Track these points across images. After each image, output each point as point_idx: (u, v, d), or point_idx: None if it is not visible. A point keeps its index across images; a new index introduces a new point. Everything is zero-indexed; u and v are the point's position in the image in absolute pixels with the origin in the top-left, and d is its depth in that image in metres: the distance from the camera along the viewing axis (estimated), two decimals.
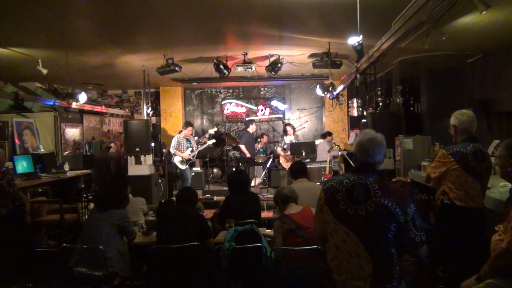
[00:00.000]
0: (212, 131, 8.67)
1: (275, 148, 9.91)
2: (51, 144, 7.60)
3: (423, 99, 7.61)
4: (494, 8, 4.03)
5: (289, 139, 8.50)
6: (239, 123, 10.97)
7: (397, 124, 6.92)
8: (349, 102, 9.13)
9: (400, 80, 7.57)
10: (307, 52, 6.72)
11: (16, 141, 6.86)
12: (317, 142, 8.50)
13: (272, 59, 6.93)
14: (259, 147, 9.01)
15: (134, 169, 6.87)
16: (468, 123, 3.08)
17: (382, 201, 1.91)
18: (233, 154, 9.94)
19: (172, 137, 8.28)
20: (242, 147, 8.51)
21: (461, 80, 7.20)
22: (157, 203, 5.84)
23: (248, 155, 8.54)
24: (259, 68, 7.37)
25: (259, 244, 3.24)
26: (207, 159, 9.19)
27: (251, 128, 8.79)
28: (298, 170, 4.25)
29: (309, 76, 9.29)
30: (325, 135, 8.92)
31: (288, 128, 8.57)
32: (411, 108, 8.26)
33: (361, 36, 4.57)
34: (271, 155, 9.08)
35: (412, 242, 1.91)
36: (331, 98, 8.86)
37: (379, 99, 7.71)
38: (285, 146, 8.39)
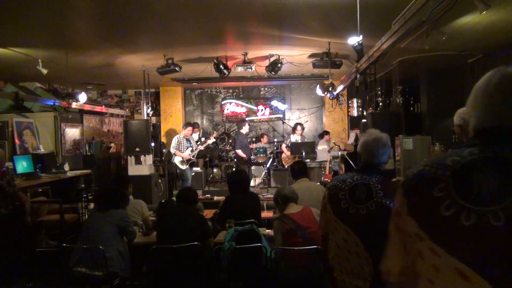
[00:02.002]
0: (216, 134, 8.60)
1: (274, 147, 9.92)
2: (51, 144, 7.60)
3: (423, 99, 7.62)
4: (494, 8, 4.03)
5: (295, 138, 8.49)
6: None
7: (397, 124, 6.92)
8: (349, 102, 9.13)
9: (400, 80, 7.58)
10: (307, 52, 6.72)
11: (16, 141, 6.87)
12: (320, 147, 8.41)
13: (272, 59, 6.93)
14: (254, 147, 8.98)
15: (134, 169, 6.87)
16: None
17: (384, 201, 1.91)
18: (233, 154, 9.93)
19: (172, 137, 8.28)
20: (239, 151, 8.42)
21: (461, 80, 7.21)
22: (157, 203, 5.84)
23: (245, 157, 8.48)
24: (259, 68, 7.37)
25: (259, 244, 3.25)
26: (207, 159, 9.18)
27: (244, 130, 8.71)
28: (300, 170, 4.24)
29: (309, 76, 9.29)
30: (323, 134, 8.93)
31: (298, 127, 8.55)
32: (411, 108, 8.27)
33: (361, 36, 4.57)
34: (272, 155, 9.08)
35: None
36: (331, 98, 8.86)
37: (379, 99, 7.71)
38: (290, 144, 8.40)
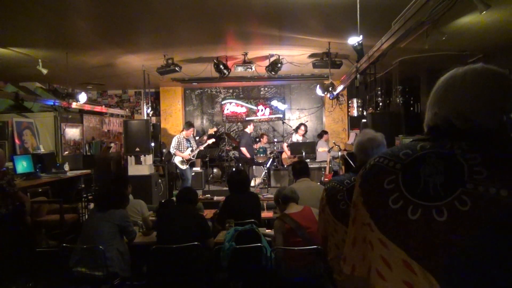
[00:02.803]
0: (211, 131, 8.66)
1: (275, 147, 9.92)
2: (51, 144, 7.61)
3: (423, 99, 7.62)
4: (494, 8, 4.02)
5: (296, 138, 8.51)
6: (239, 123, 10.97)
7: (397, 124, 6.92)
8: (349, 102, 9.14)
9: (400, 80, 7.58)
10: (307, 52, 6.72)
11: (16, 141, 6.87)
12: (321, 150, 8.41)
13: (272, 59, 6.94)
14: (257, 147, 9.01)
15: (134, 169, 6.86)
16: None
17: None
18: (233, 154, 9.94)
19: (172, 137, 8.29)
20: (243, 149, 8.51)
21: None
22: (157, 203, 5.84)
23: (248, 156, 8.55)
24: (259, 68, 7.37)
25: (259, 244, 3.25)
26: (207, 159, 9.19)
27: (249, 129, 8.79)
28: (301, 169, 4.24)
29: (309, 76, 9.29)
30: (322, 134, 8.94)
31: (302, 127, 8.57)
32: (411, 108, 8.28)
33: (361, 36, 4.58)
34: (272, 155, 9.09)
35: None
36: (331, 98, 8.86)
37: (379, 99, 7.71)
38: (290, 143, 8.43)
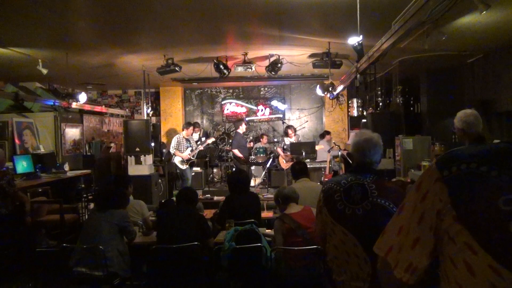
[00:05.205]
0: (210, 141, 8.54)
1: (275, 148, 9.92)
2: (51, 144, 7.61)
3: (423, 99, 7.63)
4: (494, 8, 4.03)
5: (289, 140, 8.48)
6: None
7: (397, 124, 6.94)
8: (349, 102, 9.15)
9: (400, 80, 7.59)
10: (307, 52, 6.72)
11: (16, 141, 6.87)
12: (317, 147, 8.39)
13: (272, 59, 6.93)
14: (251, 145, 8.96)
15: (134, 169, 6.86)
16: (476, 125, 3.01)
17: (379, 201, 1.90)
18: (233, 154, 9.92)
19: (172, 137, 8.29)
20: (236, 151, 8.35)
21: (461, 80, 7.22)
22: (157, 203, 5.84)
23: (242, 157, 8.43)
24: (259, 68, 7.37)
25: (259, 244, 3.25)
26: (207, 159, 9.18)
27: (241, 129, 8.62)
28: (300, 170, 4.26)
29: (309, 76, 9.29)
30: (324, 134, 8.93)
31: (289, 131, 8.52)
32: (411, 108, 8.30)
33: (361, 36, 4.57)
34: (271, 155, 9.08)
35: None
36: (331, 98, 8.86)
37: (379, 99, 7.72)
38: (285, 147, 8.39)
